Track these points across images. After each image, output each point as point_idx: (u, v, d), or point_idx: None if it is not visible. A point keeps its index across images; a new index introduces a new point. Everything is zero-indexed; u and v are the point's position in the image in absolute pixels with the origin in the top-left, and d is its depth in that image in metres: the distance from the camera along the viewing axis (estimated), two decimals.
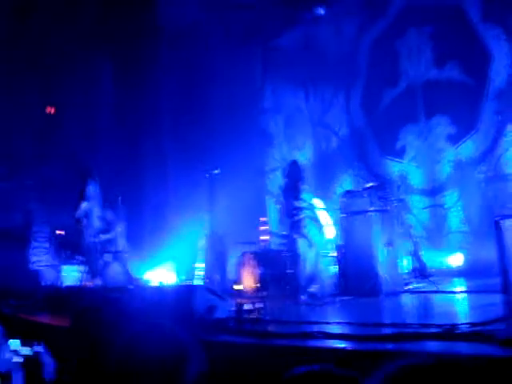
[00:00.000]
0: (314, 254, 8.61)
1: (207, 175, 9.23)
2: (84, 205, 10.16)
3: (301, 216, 8.50)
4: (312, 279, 8.55)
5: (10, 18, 13.93)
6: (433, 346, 4.75)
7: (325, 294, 8.36)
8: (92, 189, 10.25)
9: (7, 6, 13.51)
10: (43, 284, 10.77)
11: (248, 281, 10.21)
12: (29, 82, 13.99)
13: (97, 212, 10.35)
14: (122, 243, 11.40)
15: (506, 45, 10.18)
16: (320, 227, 8.71)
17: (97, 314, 2.26)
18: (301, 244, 8.60)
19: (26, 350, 3.06)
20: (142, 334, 1.93)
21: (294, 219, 8.58)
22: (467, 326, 5.10)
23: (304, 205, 8.56)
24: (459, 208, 10.76)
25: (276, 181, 13.31)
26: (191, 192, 11.22)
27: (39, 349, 3.02)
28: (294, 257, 8.95)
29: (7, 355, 2.94)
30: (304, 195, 8.63)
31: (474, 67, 10.62)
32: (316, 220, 8.70)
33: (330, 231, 8.99)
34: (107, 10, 13.57)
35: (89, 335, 2.28)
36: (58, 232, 11.87)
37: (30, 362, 3.04)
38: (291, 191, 8.68)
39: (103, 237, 11.11)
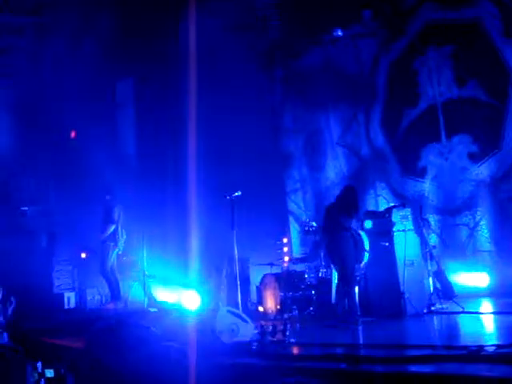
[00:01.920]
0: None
1: (228, 197, 9.23)
2: (111, 227, 10.31)
3: (346, 234, 8.51)
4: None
5: (30, 39, 14.18)
6: (457, 368, 4.70)
7: (351, 315, 8.30)
8: (117, 212, 10.40)
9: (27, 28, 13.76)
10: (66, 307, 10.84)
11: (270, 302, 10.17)
12: (48, 106, 14.18)
13: (121, 234, 10.47)
14: (143, 267, 11.43)
15: None
16: (364, 251, 8.71)
17: (111, 336, 2.25)
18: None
19: (50, 372, 3.08)
20: (150, 358, 1.94)
21: (337, 236, 8.58)
22: (493, 347, 5.04)
23: (348, 225, 8.59)
24: (483, 227, 10.66)
25: (297, 201, 13.30)
26: (212, 215, 11.22)
27: (61, 371, 3.04)
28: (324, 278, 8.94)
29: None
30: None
31: (495, 85, 10.57)
32: (362, 243, 8.70)
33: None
34: (128, 33, 13.74)
35: (101, 357, 2.27)
36: (81, 255, 11.95)
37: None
38: (339, 210, 8.69)
39: (127, 259, 11.19)
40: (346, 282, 8.46)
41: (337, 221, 8.64)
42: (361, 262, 8.68)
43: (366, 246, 8.68)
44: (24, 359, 3.38)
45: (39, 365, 3.26)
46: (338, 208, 8.81)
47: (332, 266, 9.19)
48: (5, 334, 4.49)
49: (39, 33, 14.17)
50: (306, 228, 10.38)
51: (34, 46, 14.04)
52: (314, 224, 10.17)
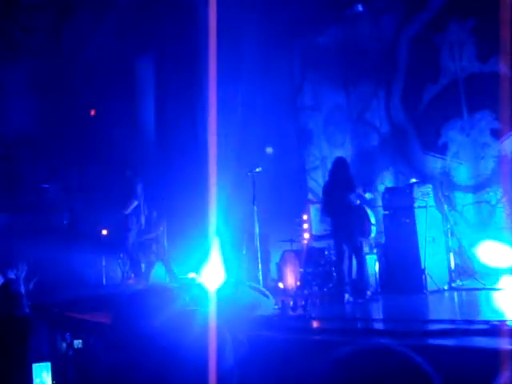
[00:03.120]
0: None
1: (249, 173, 9.25)
2: (134, 203, 10.34)
3: (349, 210, 8.47)
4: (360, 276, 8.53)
5: (51, 18, 14.20)
6: (480, 342, 4.69)
7: (369, 291, 8.32)
8: (139, 188, 10.43)
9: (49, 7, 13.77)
10: (87, 282, 10.97)
11: (290, 279, 10.22)
12: (69, 84, 14.25)
13: (143, 211, 10.51)
14: (164, 243, 11.52)
15: None
16: (370, 224, 8.67)
17: (136, 310, 2.27)
18: (343, 242, 8.57)
19: (78, 343, 3.13)
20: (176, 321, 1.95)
21: (340, 214, 8.53)
22: None
23: (350, 201, 8.53)
24: (505, 204, 10.57)
25: (317, 179, 13.28)
26: (233, 191, 11.25)
27: (90, 341, 3.10)
28: (336, 256, 8.92)
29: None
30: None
31: None
32: (367, 217, 8.66)
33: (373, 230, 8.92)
34: (147, 10, 13.72)
35: (128, 330, 2.29)
36: (102, 231, 12.05)
37: (82, 354, 3.12)
38: (338, 188, 8.63)
39: (148, 236, 11.27)
40: (357, 255, 8.48)
41: (338, 198, 8.58)
42: (368, 236, 8.66)
43: (372, 219, 8.65)
44: (51, 329, 3.45)
45: (68, 335, 3.32)
46: (336, 185, 8.74)
47: (340, 243, 9.04)
48: (27, 307, 4.57)
49: (60, 11, 14.19)
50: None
51: (56, 24, 14.07)
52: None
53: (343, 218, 8.50)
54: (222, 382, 1.84)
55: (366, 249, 8.95)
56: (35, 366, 2.94)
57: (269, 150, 9.26)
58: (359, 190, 8.78)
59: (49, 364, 2.93)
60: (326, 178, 9.32)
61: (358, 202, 8.65)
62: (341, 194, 8.52)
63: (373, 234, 8.85)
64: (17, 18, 14.06)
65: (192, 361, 1.79)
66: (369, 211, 8.81)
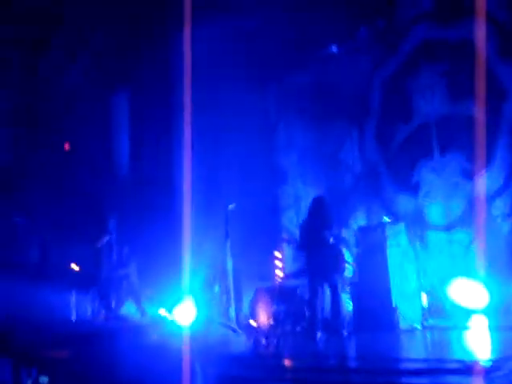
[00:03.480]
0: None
1: (222, 210, 9.24)
2: (106, 237, 10.24)
3: (325, 248, 8.46)
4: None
5: (25, 55, 14.20)
6: (453, 380, 4.67)
7: (340, 328, 8.27)
8: (112, 222, 10.34)
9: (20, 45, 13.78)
10: (57, 319, 10.75)
11: (262, 317, 10.13)
12: (44, 118, 14.19)
13: (115, 246, 10.40)
14: (135, 279, 11.39)
15: None
16: (345, 263, 8.67)
17: (97, 346, 2.23)
18: (318, 279, 8.55)
19: (44, 379, 3.06)
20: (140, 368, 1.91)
21: (317, 251, 8.51)
22: (490, 362, 5.02)
23: (327, 239, 8.52)
24: (476, 244, 10.65)
25: (290, 217, 13.30)
26: (206, 227, 11.21)
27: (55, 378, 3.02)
28: (310, 292, 8.87)
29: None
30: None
31: (489, 104, 10.61)
32: (342, 256, 8.65)
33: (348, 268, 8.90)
34: (124, 46, 13.80)
35: (85, 367, 2.25)
36: (73, 267, 11.86)
37: None
38: (316, 225, 8.63)
39: (119, 272, 11.13)
40: (333, 293, 8.45)
41: (314, 236, 8.58)
42: (342, 274, 8.65)
43: (348, 258, 8.67)
44: (15, 364, 3.35)
45: (33, 371, 3.23)
46: (313, 222, 8.74)
47: (315, 281, 8.99)
48: None
49: (35, 46, 14.20)
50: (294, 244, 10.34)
51: (31, 57, 14.06)
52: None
53: (319, 255, 8.47)
54: None
55: (344, 287, 8.92)
56: None
57: (231, 206, 9.31)
58: (336, 230, 8.80)
59: None
60: (305, 216, 9.33)
61: (332, 240, 8.63)
62: (318, 231, 8.51)
63: (348, 273, 8.84)
64: None
65: None
66: (344, 250, 8.81)
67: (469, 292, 9.84)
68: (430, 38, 11.37)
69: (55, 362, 6.48)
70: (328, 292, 8.62)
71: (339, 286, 8.56)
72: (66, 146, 14.41)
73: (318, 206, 8.90)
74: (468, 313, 9.50)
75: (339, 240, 8.84)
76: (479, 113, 10.61)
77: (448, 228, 10.88)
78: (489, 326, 8.43)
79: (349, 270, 8.83)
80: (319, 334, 8.20)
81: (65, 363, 6.01)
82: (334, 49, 12.44)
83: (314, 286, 8.60)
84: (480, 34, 10.72)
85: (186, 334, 6.89)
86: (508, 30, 10.35)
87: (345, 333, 8.14)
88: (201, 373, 1.61)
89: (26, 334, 8.69)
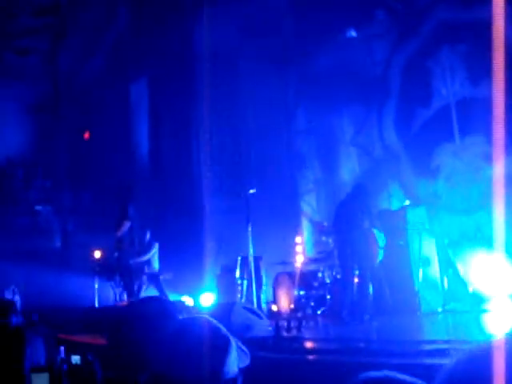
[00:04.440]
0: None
1: (243, 195, 9.28)
2: (127, 224, 10.20)
3: (359, 232, 8.49)
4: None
5: (45, 41, 14.29)
6: None
7: (363, 313, 8.30)
8: (132, 210, 10.33)
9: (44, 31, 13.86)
10: (80, 304, 10.89)
11: (283, 301, 10.19)
12: (64, 107, 14.30)
13: (136, 232, 10.41)
14: (156, 265, 11.48)
15: None
16: (377, 248, 8.68)
17: (132, 329, 2.26)
18: (350, 262, 8.59)
19: (76, 359, 3.11)
20: (183, 327, 1.92)
21: (350, 235, 8.55)
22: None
23: (362, 223, 8.56)
24: (497, 228, 10.60)
25: (310, 202, 13.32)
26: (227, 213, 11.28)
27: (89, 357, 3.08)
28: (342, 274, 8.90)
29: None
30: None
31: (509, 85, 10.52)
32: (375, 241, 8.67)
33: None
34: (143, 32, 13.84)
35: (126, 349, 2.28)
36: (95, 253, 11.99)
37: (78, 370, 3.10)
38: (351, 208, 8.67)
39: (141, 258, 11.21)
40: (361, 279, 8.47)
41: (351, 220, 8.62)
42: (376, 260, 8.66)
43: (380, 243, 8.67)
44: (46, 343, 3.44)
45: (62, 349, 3.30)
46: (351, 207, 8.78)
47: (346, 265, 9.08)
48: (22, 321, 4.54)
49: (55, 34, 14.29)
50: (318, 228, 10.39)
51: (50, 47, 14.15)
52: (325, 224, 10.12)
53: (354, 240, 8.52)
54: None
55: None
56: (33, 376, 2.91)
57: (252, 191, 9.38)
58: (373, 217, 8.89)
59: (46, 374, 2.91)
60: (342, 200, 9.37)
61: (367, 225, 8.68)
62: (356, 216, 8.56)
63: (380, 257, 8.86)
64: (11, 41, 14.15)
65: (196, 367, 1.77)
66: (378, 234, 8.84)
67: (489, 275, 9.83)
68: (448, 18, 11.27)
69: (84, 345, 6.60)
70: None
71: (369, 270, 8.58)
72: (86, 135, 14.52)
73: (358, 192, 8.96)
74: (489, 296, 9.49)
75: (374, 226, 8.88)
76: (498, 94, 10.52)
77: (469, 212, 10.84)
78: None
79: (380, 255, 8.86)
80: (345, 314, 8.25)
81: (93, 347, 6.12)
82: (353, 33, 12.37)
83: (346, 270, 8.64)
84: (499, 13, 10.62)
85: (208, 315, 6.93)
86: None
87: (366, 317, 8.17)
88: (234, 343, 1.65)
89: (51, 319, 8.84)
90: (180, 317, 2.34)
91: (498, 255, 10.14)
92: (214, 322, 1.89)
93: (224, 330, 1.87)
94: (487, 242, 10.59)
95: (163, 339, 1.93)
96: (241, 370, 1.92)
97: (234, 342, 1.85)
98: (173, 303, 2.29)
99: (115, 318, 2.45)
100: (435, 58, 11.43)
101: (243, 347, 2.07)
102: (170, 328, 2.01)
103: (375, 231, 8.87)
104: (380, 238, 8.83)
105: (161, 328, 2.14)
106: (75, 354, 3.17)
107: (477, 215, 10.83)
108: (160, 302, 2.39)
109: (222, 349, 1.80)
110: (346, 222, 8.68)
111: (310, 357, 5.44)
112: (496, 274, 10.00)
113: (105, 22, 14.11)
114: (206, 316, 1.91)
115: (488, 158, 10.77)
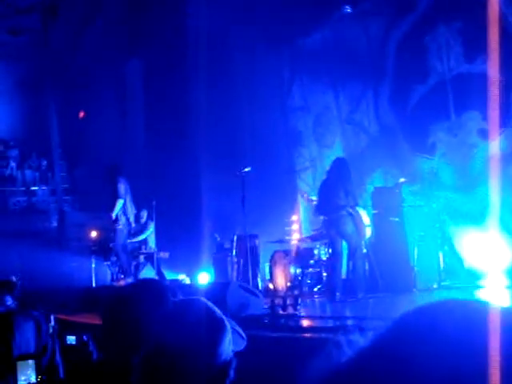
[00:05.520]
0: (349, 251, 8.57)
1: (238, 173, 9.26)
2: (120, 202, 10.00)
3: (342, 213, 8.41)
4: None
5: (38, 20, 14.14)
6: None
7: (357, 291, 8.32)
8: (123, 186, 10.11)
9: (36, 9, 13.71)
10: (77, 285, 10.92)
11: (280, 279, 10.22)
12: (58, 86, 14.20)
13: (131, 210, 10.29)
14: (153, 245, 11.50)
15: None
16: (364, 226, 8.57)
17: (126, 311, 2.25)
18: (338, 242, 8.56)
19: (71, 339, 3.12)
20: (178, 309, 1.92)
21: (333, 216, 8.48)
22: None
23: (345, 203, 8.46)
24: (494, 204, 10.61)
25: (307, 180, 13.31)
26: (223, 192, 11.26)
27: (84, 338, 3.08)
28: (331, 255, 8.90)
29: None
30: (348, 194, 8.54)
31: (505, 61, 10.46)
32: (359, 219, 8.54)
33: (369, 231, 8.79)
34: (137, 13, 13.72)
35: (120, 331, 2.27)
36: (91, 233, 12.00)
37: (76, 350, 3.11)
38: (333, 188, 8.57)
39: (137, 238, 11.22)
40: (352, 256, 8.47)
41: (332, 199, 8.50)
42: (363, 238, 8.59)
43: (367, 221, 8.57)
44: (39, 325, 3.43)
45: (55, 331, 3.31)
46: (331, 186, 8.65)
47: (333, 244, 8.97)
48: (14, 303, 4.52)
49: (47, 15, 14.14)
50: (309, 203, 10.26)
51: (44, 26, 14.01)
52: (314, 198, 9.89)
53: (338, 218, 8.43)
54: (221, 371, 1.82)
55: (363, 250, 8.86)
56: (19, 364, 2.90)
57: (247, 169, 9.33)
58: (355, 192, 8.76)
59: (33, 362, 2.90)
60: (324, 178, 9.28)
61: (352, 202, 8.55)
62: (337, 194, 8.45)
63: (368, 235, 8.76)
64: (4, 20, 14.01)
65: (189, 349, 1.77)
66: (365, 212, 8.73)
67: (485, 252, 9.87)
68: None
69: (80, 325, 6.62)
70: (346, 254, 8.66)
71: (358, 248, 8.54)
72: (82, 114, 14.45)
73: (337, 169, 8.80)
74: (485, 272, 9.53)
75: (357, 203, 8.74)
76: (494, 70, 10.47)
77: (465, 189, 10.84)
78: (507, 285, 8.46)
79: (368, 232, 8.74)
80: (338, 295, 8.25)
81: (89, 327, 6.13)
82: (349, 9, 12.26)
83: (335, 248, 8.60)
84: None
85: (203, 294, 6.96)
86: None
87: (360, 295, 8.19)
88: (229, 326, 1.63)
89: (48, 299, 8.86)
90: (176, 298, 2.34)
91: (492, 232, 10.18)
92: (209, 304, 1.88)
93: (219, 312, 1.86)
94: (483, 218, 10.62)
95: (157, 321, 1.92)
96: (236, 354, 1.92)
97: (228, 324, 1.85)
98: (167, 286, 2.29)
99: (110, 298, 2.44)
100: (431, 35, 11.35)
101: (240, 331, 2.07)
102: (163, 310, 2.01)
103: (361, 209, 8.74)
104: (369, 216, 8.76)
105: (154, 310, 2.14)
106: (71, 334, 3.17)
107: (472, 192, 10.85)
108: (155, 285, 2.38)
109: (216, 331, 1.80)
110: (328, 201, 8.56)
111: (306, 335, 5.46)
112: (491, 250, 10.05)
113: (99, 4, 13.97)
114: (202, 298, 1.90)
115: (483, 135, 10.76)
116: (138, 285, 2.56)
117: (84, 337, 3.19)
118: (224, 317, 1.89)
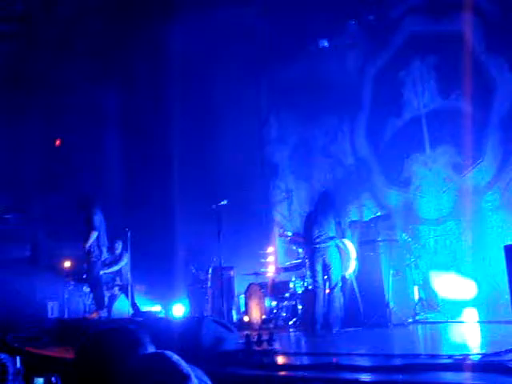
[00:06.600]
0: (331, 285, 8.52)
1: (214, 206, 9.24)
2: (94, 234, 9.90)
3: (331, 243, 8.40)
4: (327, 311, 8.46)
5: (14, 50, 14.08)
6: (444, 377, 4.69)
7: (332, 325, 8.28)
8: (98, 218, 10.04)
9: (9, 36, 13.66)
10: (50, 316, 10.75)
11: (255, 312, 10.17)
12: (34, 115, 14.11)
13: (105, 242, 10.19)
14: (128, 276, 11.37)
15: (509, 75, 10.23)
16: (349, 259, 8.55)
17: (101, 345, 2.22)
18: (320, 273, 8.51)
19: (40, 382, 3.05)
20: (142, 365, 1.89)
21: (322, 246, 8.46)
22: (479, 356, 5.05)
23: (334, 234, 8.46)
24: (467, 237, 10.71)
25: (282, 211, 13.34)
26: (198, 223, 11.22)
27: (53, 380, 3.02)
28: (313, 285, 8.82)
29: None
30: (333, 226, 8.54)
31: (478, 97, 10.65)
32: (346, 252, 8.53)
33: (354, 264, 8.75)
34: (112, 43, 13.73)
35: (93, 366, 2.23)
36: (65, 263, 11.85)
37: None
38: (323, 219, 8.57)
39: (111, 269, 11.09)
40: (332, 291, 8.43)
41: (320, 230, 8.51)
42: (346, 271, 8.59)
43: (353, 255, 8.56)
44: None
45: (21, 374, 3.23)
46: (321, 216, 8.66)
47: (317, 276, 8.97)
48: None
49: (25, 40, 14.10)
50: (282, 237, 10.24)
51: (20, 53, 13.96)
52: (289, 234, 9.90)
53: (324, 251, 8.41)
54: None
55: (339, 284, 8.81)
56: None
57: (223, 202, 9.32)
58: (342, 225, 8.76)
59: None
60: (309, 210, 9.30)
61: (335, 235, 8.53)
62: (322, 226, 8.46)
63: (354, 268, 8.71)
64: None
65: None
66: (352, 245, 8.70)
67: (456, 285, 9.93)
68: (419, 31, 11.39)
69: (50, 361, 6.50)
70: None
71: (338, 282, 8.50)
72: (57, 142, 14.35)
73: (325, 201, 8.82)
74: (459, 306, 9.58)
75: (344, 236, 8.73)
76: (467, 106, 10.65)
77: (439, 222, 10.93)
78: (479, 320, 8.49)
79: (354, 266, 8.69)
80: (318, 329, 8.19)
81: (60, 363, 6.02)
82: (326, 43, 12.43)
83: (316, 280, 8.54)
84: (467, 26, 10.75)
85: (178, 329, 6.90)
86: (495, 21, 10.38)
87: (335, 330, 8.16)
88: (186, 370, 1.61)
89: (19, 332, 8.71)
90: (145, 343, 2.31)
91: (465, 266, 10.26)
92: (175, 357, 1.86)
93: (184, 365, 1.84)
94: (456, 252, 10.70)
95: (123, 374, 1.89)
96: None
97: (196, 380, 1.82)
98: (139, 336, 2.24)
99: (80, 345, 2.39)
100: (406, 69, 11.53)
101: (208, 381, 2.05)
102: (131, 363, 1.98)
103: (349, 241, 8.75)
104: (353, 249, 8.76)
105: (121, 362, 2.10)
106: (39, 376, 3.11)
107: (447, 224, 10.94)
108: (125, 334, 2.34)
109: None
110: (319, 232, 8.56)
111: (281, 373, 5.40)
112: (463, 284, 10.12)
113: (76, 30, 13.97)
114: (167, 352, 1.88)
115: (458, 168, 10.89)
116: (108, 332, 2.52)
117: (52, 378, 3.12)
118: (191, 372, 1.86)
